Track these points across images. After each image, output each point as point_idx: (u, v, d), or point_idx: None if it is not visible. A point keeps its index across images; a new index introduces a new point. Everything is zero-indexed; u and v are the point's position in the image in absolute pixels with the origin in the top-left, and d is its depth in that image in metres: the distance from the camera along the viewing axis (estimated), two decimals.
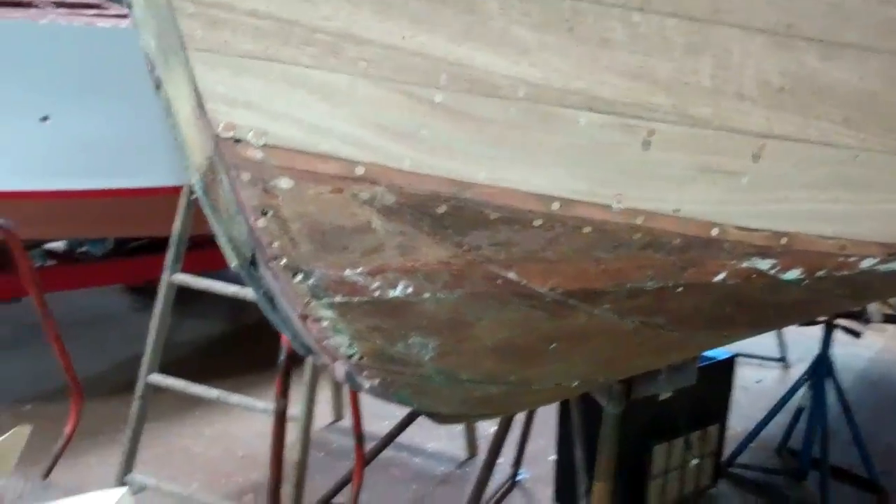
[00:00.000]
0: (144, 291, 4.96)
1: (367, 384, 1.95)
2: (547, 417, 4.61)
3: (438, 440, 5.29)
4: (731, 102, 1.73)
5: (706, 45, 1.68)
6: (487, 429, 4.72)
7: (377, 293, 1.76)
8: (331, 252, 1.69)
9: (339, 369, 1.93)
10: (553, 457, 4.63)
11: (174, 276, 4.17)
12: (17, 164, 4.70)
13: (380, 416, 4.92)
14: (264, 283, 1.76)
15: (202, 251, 4.64)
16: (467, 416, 2.44)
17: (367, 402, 4.21)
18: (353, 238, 1.69)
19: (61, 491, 3.80)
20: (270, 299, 1.79)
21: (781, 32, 1.70)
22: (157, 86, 1.54)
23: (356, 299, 1.76)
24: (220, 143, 1.56)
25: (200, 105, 1.53)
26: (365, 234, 1.69)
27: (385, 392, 2.00)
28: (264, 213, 1.63)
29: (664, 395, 4.20)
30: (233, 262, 1.73)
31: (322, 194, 1.62)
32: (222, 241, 1.71)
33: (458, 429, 5.21)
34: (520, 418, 4.65)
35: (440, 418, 2.25)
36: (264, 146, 1.57)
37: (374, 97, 1.58)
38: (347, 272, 1.73)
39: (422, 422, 5.15)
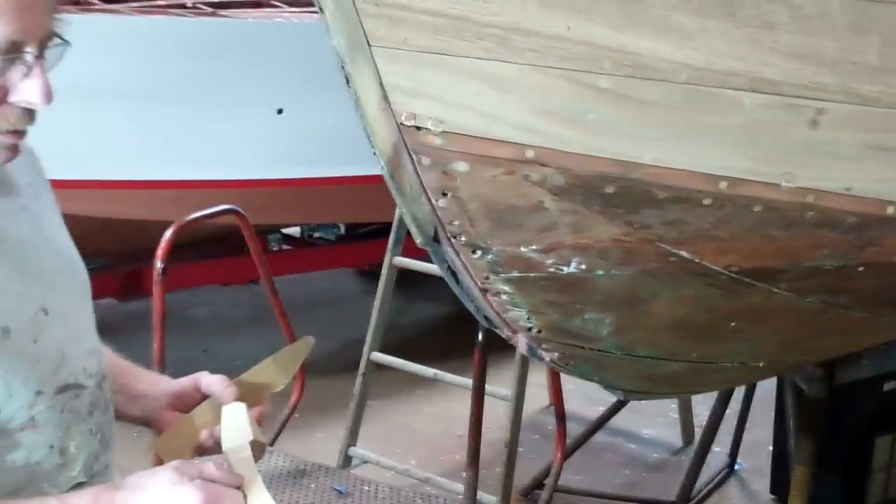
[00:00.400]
0: (374, 275, 5.24)
1: (547, 357, 2.06)
2: (766, 406, 4.55)
3: (654, 427, 5.30)
4: None
5: (873, 24, 1.69)
6: (705, 416, 4.70)
7: (552, 269, 1.88)
8: (506, 230, 1.82)
9: (521, 342, 2.06)
10: (771, 447, 4.55)
11: (395, 259, 4.42)
12: (255, 155, 5.11)
13: (594, 400, 4.99)
14: (447, 259, 1.91)
15: None
16: (652, 393, 2.51)
17: (583, 388, 4.29)
18: (526, 217, 1.81)
19: (288, 459, 4.11)
20: (454, 273, 1.94)
21: None
22: (347, 81, 1.72)
23: (532, 275, 1.89)
24: (403, 131, 1.72)
25: (385, 97, 1.70)
26: (538, 213, 1.81)
27: (565, 365, 2.11)
28: (444, 194, 1.78)
29: (889, 385, 4.07)
30: (418, 239, 1.89)
31: (496, 176, 1.75)
32: (408, 220, 1.87)
33: (674, 415, 5.21)
34: (736, 406, 4.60)
35: (625, 393, 2.34)
36: (442, 133, 1.72)
37: (542, 85, 1.69)
38: (523, 249, 1.85)
39: (637, 407, 5.20)
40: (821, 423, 3.03)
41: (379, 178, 5.47)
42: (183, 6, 5.24)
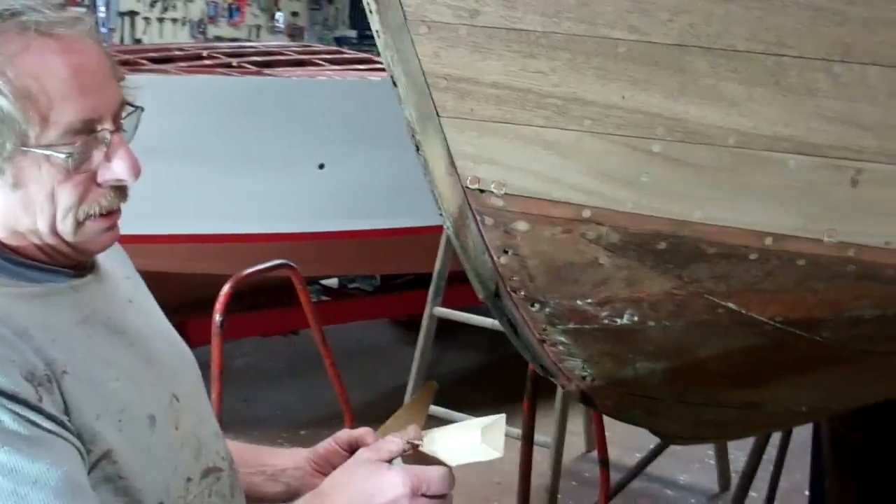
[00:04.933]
0: (408, 325, 5.35)
1: (601, 404, 2.16)
2: (802, 451, 4.58)
3: (691, 472, 5.35)
4: None
5: None
6: (741, 461, 4.75)
7: (606, 321, 1.99)
8: (564, 284, 1.93)
9: (576, 390, 2.16)
10: (808, 493, 4.58)
11: (435, 310, 4.54)
12: (297, 209, 5.26)
13: (632, 448, 5.06)
14: (507, 312, 2.02)
15: (462, 286, 4.99)
16: (702, 438, 2.60)
17: (619, 434, 4.35)
18: (583, 272, 1.92)
19: None
20: (513, 326, 2.05)
21: None
22: (417, 148, 1.84)
23: (587, 326, 1.99)
24: (468, 193, 1.85)
25: (452, 163, 1.83)
26: (593, 269, 1.92)
27: (618, 412, 2.20)
28: (506, 252, 1.90)
29: None
30: (480, 294, 2.00)
31: (554, 235, 1.87)
32: (471, 276, 1.98)
33: (711, 461, 5.26)
34: (772, 452, 4.65)
35: (674, 439, 2.43)
36: (504, 195, 1.84)
37: (598, 150, 1.81)
38: (579, 302, 1.96)
39: (675, 453, 5.25)
40: (858, 467, 3.10)
41: (415, 230, 5.64)
42: (229, 66, 5.42)
